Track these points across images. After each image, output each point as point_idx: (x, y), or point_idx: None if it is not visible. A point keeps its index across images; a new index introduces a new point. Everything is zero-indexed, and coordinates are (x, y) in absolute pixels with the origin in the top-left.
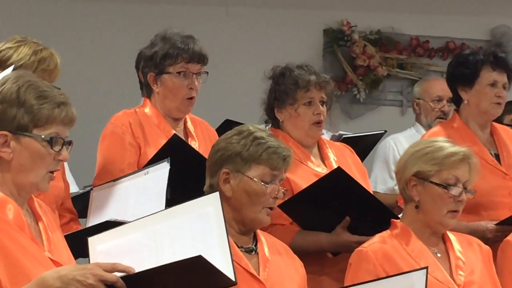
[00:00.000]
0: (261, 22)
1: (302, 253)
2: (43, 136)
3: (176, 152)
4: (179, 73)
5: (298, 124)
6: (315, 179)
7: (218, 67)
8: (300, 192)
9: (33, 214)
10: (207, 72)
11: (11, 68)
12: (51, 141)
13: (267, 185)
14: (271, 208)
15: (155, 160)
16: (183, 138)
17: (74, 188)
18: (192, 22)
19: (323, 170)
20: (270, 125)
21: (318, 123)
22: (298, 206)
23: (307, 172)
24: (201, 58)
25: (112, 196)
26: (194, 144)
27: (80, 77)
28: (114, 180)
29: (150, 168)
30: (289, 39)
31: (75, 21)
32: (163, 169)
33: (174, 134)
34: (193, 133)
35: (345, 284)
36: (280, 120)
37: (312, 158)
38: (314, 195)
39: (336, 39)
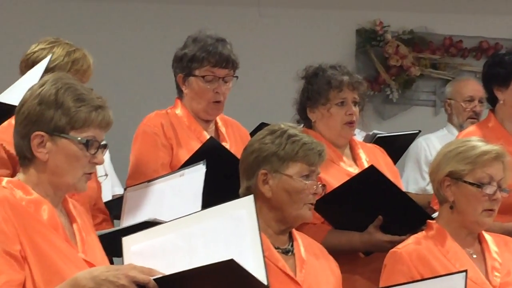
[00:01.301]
0: (293, 22)
1: (334, 253)
2: (79, 139)
3: (212, 155)
4: (203, 77)
5: (330, 124)
6: (347, 178)
7: (250, 68)
8: (332, 191)
9: (67, 215)
10: (237, 77)
11: (46, 60)
12: (87, 144)
13: (306, 182)
14: (312, 204)
15: (191, 162)
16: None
17: (119, 190)
18: (224, 23)
19: (355, 170)
20: (302, 125)
21: (351, 123)
22: (330, 205)
23: (339, 172)
24: (228, 63)
25: (146, 197)
26: (225, 145)
27: (113, 78)
28: (149, 181)
29: (186, 170)
30: (322, 39)
31: (109, 22)
32: (199, 171)
33: (211, 137)
34: (224, 134)
35: (380, 285)
36: (312, 120)
37: (344, 158)
38: (346, 194)
39: (369, 39)
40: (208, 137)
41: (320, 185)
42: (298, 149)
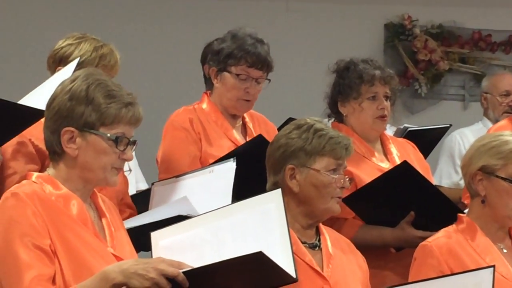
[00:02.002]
0: (321, 17)
1: (365, 248)
2: (109, 135)
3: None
4: (238, 75)
5: (361, 119)
6: (378, 174)
7: (278, 63)
8: (364, 187)
9: (96, 209)
10: (269, 80)
11: (75, 61)
12: (116, 141)
13: (333, 176)
14: (339, 197)
15: (239, 155)
16: (242, 135)
17: (143, 186)
18: (252, 17)
19: (386, 165)
20: (332, 119)
21: (382, 117)
22: (362, 200)
23: (370, 167)
24: (264, 65)
25: (174, 193)
26: None
27: (141, 74)
28: (177, 177)
29: (215, 167)
30: (350, 34)
31: (135, 17)
32: (229, 168)
33: (259, 134)
34: (251, 129)
35: (409, 278)
36: (344, 115)
37: (376, 153)
38: (378, 189)
39: (397, 34)
40: (235, 132)
41: (347, 179)
42: (325, 143)
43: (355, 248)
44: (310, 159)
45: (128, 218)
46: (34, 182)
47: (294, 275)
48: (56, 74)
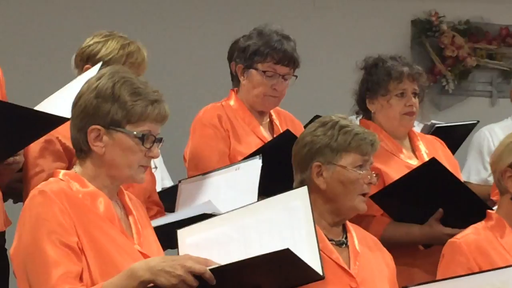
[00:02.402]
0: (348, 13)
1: (394, 245)
2: (135, 133)
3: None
4: (264, 72)
5: (389, 115)
6: (406, 171)
7: (305, 60)
8: (392, 183)
9: (123, 207)
10: (296, 76)
11: (99, 65)
12: (142, 138)
13: (360, 172)
14: (364, 195)
15: (266, 151)
16: (269, 132)
17: (169, 183)
18: (279, 14)
19: (414, 162)
20: (360, 116)
21: (410, 114)
22: (390, 197)
23: (399, 164)
24: (291, 61)
25: (201, 190)
26: None
27: (167, 71)
28: (204, 174)
29: (241, 164)
30: (377, 30)
31: (163, 14)
32: (255, 165)
33: (287, 129)
34: (278, 126)
35: (437, 275)
36: (372, 111)
37: (404, 150)
38: (406, 186)
39: (424, 30)
40: (262, 130)
41: (374, 175)
42: (351, 139)
43: (381, 245)
44: (336, 156)
45: (155, 216)
46: (61, 179)
47: (321, 273)
48: (78, 78)
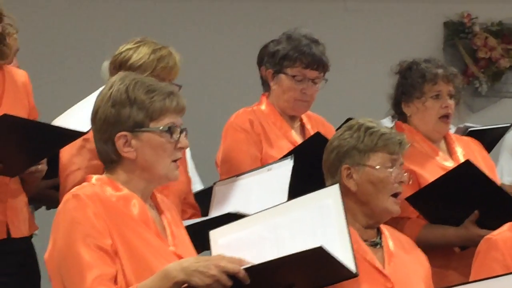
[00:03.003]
0: (380, 16)
1: (428, 247)
2: (161, 128)
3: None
4: (293, 76)
5: (425, 118)
6: (442, 173)
7: (337, 63)
8: (428, 186)
9: (156, 209)
10: (326, 80)
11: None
12: (169, 131)
13: (389, 170)
14: (396, 195)
15: (300, 152)
16: (300, 136)
17: (199, 187)
18: (310, 18)
19: (450, 164)
20: (396, 120)
21: (446, 116)
22: (425, 199)
23: (434, 167)
24: (320, 65)
25: (234, 192)
26: None
27: (199, 76)
28: (237, 176)
29: (274, 165)
30: (409, 33)
31: (197, 20)
32: (286, 166)
33: (317, 132)
34: (310, 130)
35: (471, 273)
36: (408, 115)
37: (440, 153)
38: (442, 188)
39: (457, 32)
40: (294, 134)
41: (405, 174)
42: (377, 140)
43: (416, 246)
44: (364, 157)
45: (190, 218)
46: (93, 184)
47: (354, 270)
48: (84, 100)
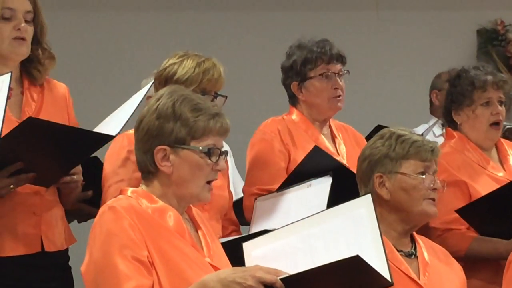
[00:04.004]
0: (412, 25)
1: (479, 260)
2: (201, 148)
3: (318, 162)
4: (321, 75)
5: (476, 126)
6: (494, 184)
7: (371, 71)
8: (480, 199)
9: (192, 222)
10: (348, 71)
11: (148, 86)
12: (208, 152)
13: (422, 177)
14: (432, 199)
15: (298, 170)
16: (330, 142)
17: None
18: (343, 27)
19: (502, 174)
20: (446, 127)
21: (497, 123)
22: (476, 212)
23: (486, 177)
24: (339, 58)
25: (275, 207)
26: (342, 148)
27: (231, 86)
28: (278, 191)
29: (313, 181)
30: (442, 41)
31: (229, 31)
32: (325, 182)
33: (315, 146)
34: (340, 138)
35: (504, 282)
36: (458, 123)
37: (491, 162)
38: (494, 202)
39: (490, 39)
40: (325, 140)
41: (439, 181)
42: (409, 147)
43: (451, 256)
44: (396, 164)
45: (230, 234)
46: (129, 196)
47: (389, 279)
48: (125, 104)
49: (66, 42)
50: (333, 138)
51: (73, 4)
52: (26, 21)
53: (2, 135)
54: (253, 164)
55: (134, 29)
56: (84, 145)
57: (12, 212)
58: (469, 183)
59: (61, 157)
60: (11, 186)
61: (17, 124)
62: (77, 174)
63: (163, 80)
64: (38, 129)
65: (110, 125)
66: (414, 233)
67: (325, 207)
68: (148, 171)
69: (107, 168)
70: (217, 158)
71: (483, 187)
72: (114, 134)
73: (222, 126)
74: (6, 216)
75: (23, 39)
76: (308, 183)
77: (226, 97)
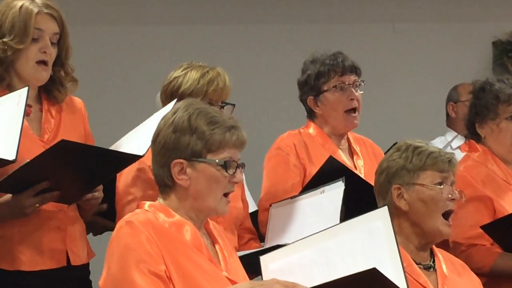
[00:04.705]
0: (428, 37)
1: (500, 275)
2: (217, 161)
3: (335, 173)
4: (335, 87)
5: (500, 140)
6: None
7: (385, 84)
8: (507, 216)
9: (209, 235)
10: (363, 81)
11: (173, 103)
12: (225, 165)
13: (440, 187)
14: (448, 213)
15: (314, 181)
16: (348, 157)
17: (252, 208)
18: (359, 40)
19: None
20: (468, 139)
21: None
22: (502, 229)
23: (511, 193)
24: (353, 69)
25: (289, 214)
26: (359, 162)
27: (247, 99)
28: (292, 198)
29: (326, 187)
30: (458, 53)
31: (244, 44)
32: (338, 188)
33: (330, 156)
34: (358, 151)
35: None
36: (482, 136)
37: None
38: None
39: (506, 51)
40: (342, 154)
41: (457, 191)
42: (426, 158)
43: (469, 269)
44: (414, 176)
45: (247, 243)
46: (147, 210)
47: None
48: (153, 115)
49: (79, 56)
50: (351, 152)
51: (83, 19)
52: (52, 43)
53: (18, 148)
54: (268, 179)
55: (152, 42)
56: (111, 164)
57: (39, 228)
58: (494, 198)
59: (87, 176)
60: (37, 205)
61: (38, 140)
62: (98, 191)
63: (169, 94)
64: (70, 151)
65: (132, 143)
66: (434, 246)
67: (339, 214)
68: (165, 184)
69: (119, 187)
70: (234, 170)
71: (508, 202)
72: (141, 154)
73: (238, 139)
74: (32, 233)
75: (45, 63)
76: (321, 189)
77: (234, 105)
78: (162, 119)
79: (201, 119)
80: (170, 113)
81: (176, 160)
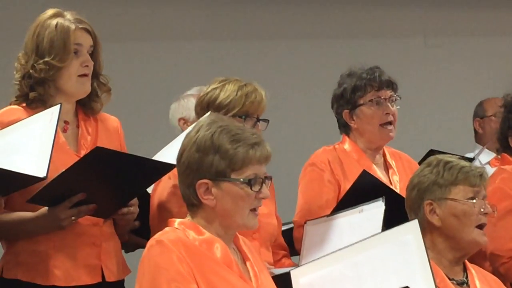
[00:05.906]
0: (461, 51)
1: None
2: (242, 180)
3: (368, 188)
4: (371, 101)
5: None
6: None
7: (418, 98)
8: None
9: (239, 252)
10: (400, 97)
11: (208, 114)
12: (250, 183)
13: (472, 201)
14: (481, 226)
15: (348, 196)
16: (384, 172)
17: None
18: (390, 54)
19: None
20: (500, 153)
21: None
22: None
23: None
24: (389, 84)
25: (325, 232)
26: (395, 177)
27: (282, 115)
28: (328, 216)
29: (365, 206)
30: (491, 67)
31: (279, 59)
32: (378, 208)
33: (363, 170)
34: (394, 167)
35: None
36: None
37: None
38: None
39: None
40: (377, 170)
41: (489, 205)
42: (457, 173)
43: (502, 284)
44: (446, 191)
45: (280, 260)
46: (177, 228)
47: None
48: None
49: (113, 74)
50: (386, 167)
51: (116, 36)
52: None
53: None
54: (303, 195)
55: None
56: (146, 174)
57: (74, 243)
58: None
59: (122, 187)
60: (73, 217)
61: (74, 155)
62: (134, 206)
63: (205, 105)
64: (105, 159)
65: (167, 156)
66: (466, 261)
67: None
68: (192, 203)
69: (154, 203)
70: (260, 186)
71: None
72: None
73: (262, 154)
74: (68, 247)
75: (86, 76)
76: (360, 208)
77: (268, 121)
78: (185, 138)
79: (224, 137)
80: (194, 131)
81: (201, 181)
